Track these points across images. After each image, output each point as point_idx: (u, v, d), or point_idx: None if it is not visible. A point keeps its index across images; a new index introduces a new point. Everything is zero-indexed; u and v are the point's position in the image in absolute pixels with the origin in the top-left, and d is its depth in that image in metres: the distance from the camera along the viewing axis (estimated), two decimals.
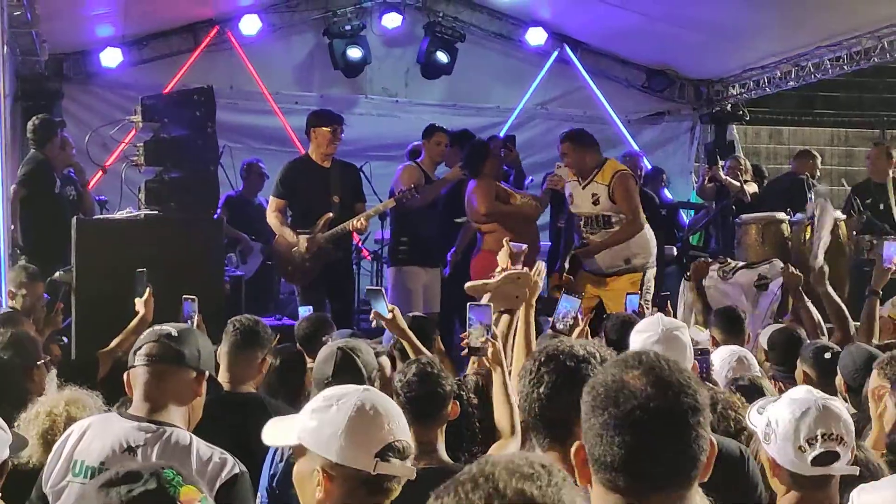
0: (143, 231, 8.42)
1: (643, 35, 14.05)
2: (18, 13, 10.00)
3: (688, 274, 9.14)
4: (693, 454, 2.30)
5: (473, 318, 4.77)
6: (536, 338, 5.15)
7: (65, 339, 8.49)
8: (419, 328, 6.05)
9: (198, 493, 2.33)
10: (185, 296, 6.62)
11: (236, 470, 3.70)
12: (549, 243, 12.13)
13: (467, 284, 5.17)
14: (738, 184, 12.45)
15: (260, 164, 12.39)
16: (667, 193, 14.42)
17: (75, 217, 8.55)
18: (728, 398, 5.02)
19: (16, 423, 4.37)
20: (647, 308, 8.95)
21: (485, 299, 4.99)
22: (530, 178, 12.16)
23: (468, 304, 4.90)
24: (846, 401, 5.30)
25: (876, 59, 12.97)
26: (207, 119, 8.76)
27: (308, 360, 6.20)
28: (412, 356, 5.21)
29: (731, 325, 7.34)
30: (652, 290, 9.97)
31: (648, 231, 10.07)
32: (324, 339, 6.47)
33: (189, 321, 6.27)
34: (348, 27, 14.07)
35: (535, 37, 14.74)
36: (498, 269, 5.24)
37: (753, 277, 9.74)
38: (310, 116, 10.13)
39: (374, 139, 13.94)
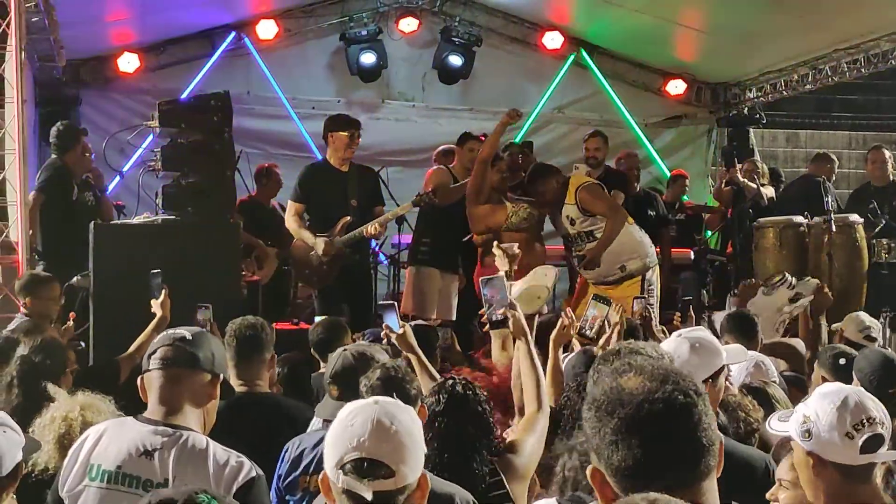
0: (160, 236, 8.43)
1: (660, 38, 14.05)
2: (36, 19, 10.04)
3: (735, 291, 9.06)
4: (707, 440, 2.33)
5: (489, 294, 4.76)
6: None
7: (82, 344, 8.50)
8: (423, 337, 6.05)
9: None
10: (199, 304, 6.65)
11: (253, 474, 3.70)
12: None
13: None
14: (755, 186, 12.41)
15: (276, 169, 12.38)
16: (684, 197, 14.41)
17: (93, 222, 8.56)
18: (740, 400, 5.03)
19: (30, 429, 4.38)
20: (653, 309, 8.84)
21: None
22: None
23: (481, 279, 4.90)
24: None
25: (894, 62, 12.92)
26: (224, 124, 8.76)
27: (322, 364, 6.23)
28: (418, 372, 5.20)
29: (744, 329, 7.29)
30: (656, 289, 9.94)
31: (637, 231, 10.04)
32: (354, 336, 6.55)
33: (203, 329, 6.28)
34: (365, 32, 14.10)
35: (552, 41, 14.73)
36: (500, 273, 5.19)
37: (791, 294, 9.66)
38: (327, 121, 10.12)
39: (392, 144, 13.96)
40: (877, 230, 11.23)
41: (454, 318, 10.35)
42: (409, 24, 14.34)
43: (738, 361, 5.38)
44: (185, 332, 3.94)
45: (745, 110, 15.74)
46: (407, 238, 11.97)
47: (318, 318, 8.31)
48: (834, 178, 12.79)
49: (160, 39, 13.66)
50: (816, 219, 11.03)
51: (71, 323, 7.88)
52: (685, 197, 14.25)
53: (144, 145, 10.51)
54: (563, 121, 14.99)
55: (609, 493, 2.35)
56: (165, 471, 3.67)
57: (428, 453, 2.95)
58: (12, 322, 8.24)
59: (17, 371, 5.34)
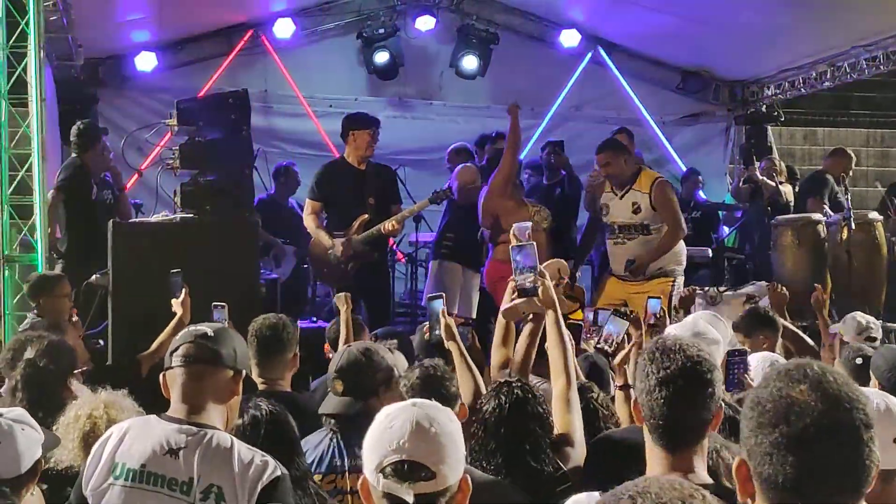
0: (178, 234, 8.42)
1: (677, 36, 14.01)
2: (54, 18, 10.07)
3: (675, 306, 8.99)
4: (865, 470, 2.24)
5: (520, 261, 4.74)
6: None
7: (101, 343, 8.52)
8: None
9: None
10: (214, 303, 6.64)
11: (277, 472, 3.68)
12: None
13: (502, 309, 5.11)
14: (774, 184, 12.39)
15: (294, 168, 12.40)
16: (701, 195, 14.37)
17: (111, 220, 8.57)
18: None
19: (54, 427, 4.39)
20: (676, 315, 8.79)
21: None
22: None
23: (511, 246, 4.88)
24: None
25: None
26: (242, 122, 8.76)
27: None
28: (457, 363, 5.17)
29: (768, 324, 7.24)
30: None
31: (681, 243, 10.05)
32: (374, 336, 6.56)
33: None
34: (382, 30, 14.09)
35: (569, 39, 14.70)
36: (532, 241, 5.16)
37: (742, 299, 9.62)
38: (347, 119, 10.13)
39: (409, 142, 13.94)
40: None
41: (474, 315, 10.33)
42: (425, 23, 14.33)
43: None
44: (207, 328, 3.93)
45: (763, 108, 15.70)
46: (424, 235, 11.98)
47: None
48: (850, 173, 12.71)
49: (177, 38, 13.68)
50: (836, 216, 10.99)
51: (76, 318, 7.91)
52: (702, 194, 14.22)
53: (162, 143, 10.52)
54: (581, 119, 14.95)
55: (750, 489, 2.30)
56: (190, 469, 3.66)
57: (499, 461, 2.92)
58: (24, 322, 8.27)
59: (21, 375, 5.35)
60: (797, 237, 11.08)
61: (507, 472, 4.08)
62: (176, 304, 6.74)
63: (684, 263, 10.03)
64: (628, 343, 6.10)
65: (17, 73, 9.09)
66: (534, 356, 5.02)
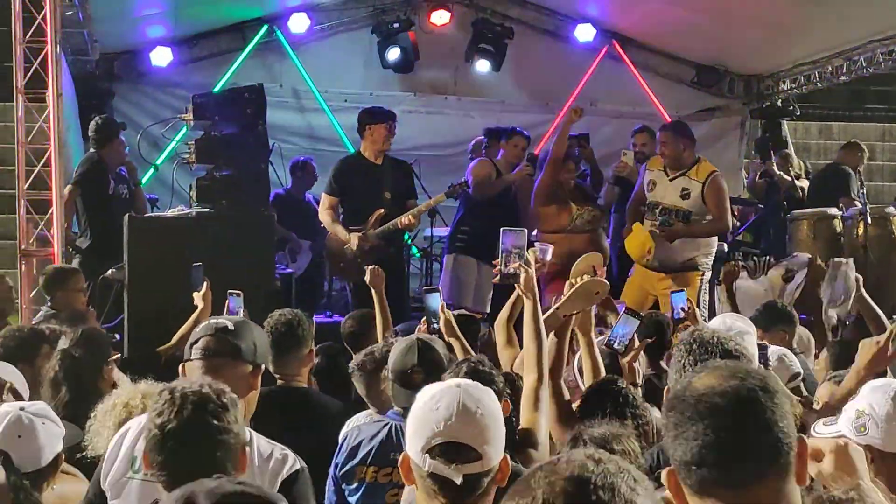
0: (194, 228, 8.45)
1: (693, 31, 13.97)
2: (70, 13, 10.09)
3: (719, 279, 8.97)
4: (774, 438, 2.26)
5: (506, 244, 4.72)
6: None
7: (117, 336, 8.54)
8: (466, 328, 6.07)
9: None
10: (230, 291, 6.62)
11: (297, 466, 3.69)
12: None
13: (555, 307, 5.05)
14: (790, 179, 12.36)
15: (311, 163, 12.41)
16: None
17: (127, 215, 8.59)
18: None
19: (92, 413, 4.41)
20: (702, 312, 8.73)
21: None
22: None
23: (501, 229, 4.86)
24: None
25: None
26: (258, 117, 8.79)
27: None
28: (460, 357, 5.17)
29: (787, 320, 7.22)
30: (708, 294, 9.83)
31: (714, 239, 9.98)
32: (385, 335, 6.53)
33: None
34: (396, 25, 14.07)
35: (584, 33, 14.67)
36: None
37: (782, 271, 9.59)
38: (363, 114, 10.12)
39: (423, 137, 13.93)
40: None
41: (489, 310, 10.31)
42: (440, 17, 14.31)
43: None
44: (227, 321, 3.94)
45: (779, 102, 15.65)
46: (439, 230, 11.98)
47: None
48: (862, 167, 12.68)
49: (192, 33, 13.69)
50: (851, 210, 10.97)
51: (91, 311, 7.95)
52: None
53: (178, 138, 10.54)
54: (596, 113, 14.90)
55: (682, 496, 2.31)
56: None
57: None
58: (37, 315, 8.30)
59: (58, 366, 5.36)
60: (813, 231, 11.07)
61: None
62: (197, 298, 6.75)
63: (712, 260, 9.95)
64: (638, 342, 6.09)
65: (34, 68, 9.12)
66: (566, 356, 4.98)
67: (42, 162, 9.23)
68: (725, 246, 12.57)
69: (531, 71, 14.67)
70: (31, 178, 9.28)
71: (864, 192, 11.73)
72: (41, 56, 9.08)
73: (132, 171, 10.80)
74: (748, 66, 15.54)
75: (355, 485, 4.47)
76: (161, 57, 13.42)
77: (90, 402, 4.63)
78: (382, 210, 9.68)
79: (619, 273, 10.70)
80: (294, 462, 3.70)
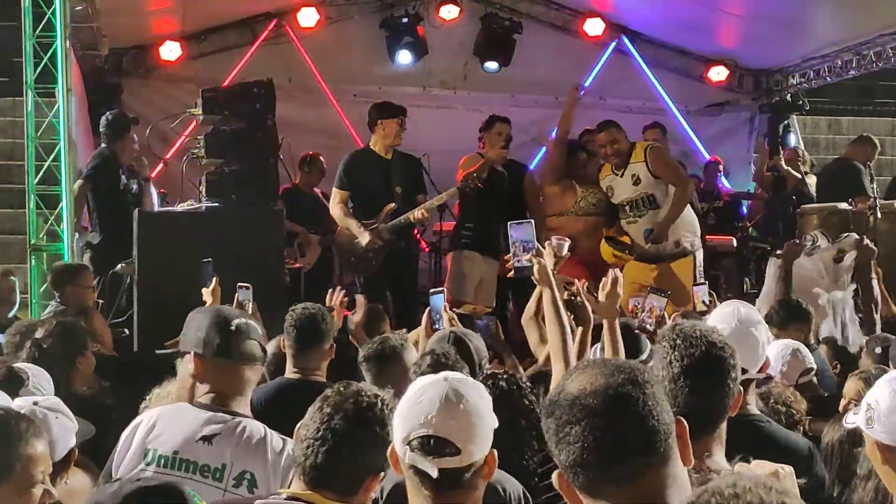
0: (203, 223, 8.47)
1: (702, 25, 13.96)
2: (79, 8, 10.09)
3: (778, 253, 8.95)
4: (649, 430, 2.26)
5: (515, 238, 4.71)
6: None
7: (126, 332, 8.56)
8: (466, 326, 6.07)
9: None
10: (239, 283, 6.62)
11: None
12: None
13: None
14: (799, 175, 12.34)
15: (320, 157, 12.41)
16: (725, 183, 14.33)
17: (137, 210, 8.60)
18: (781, 392, 4.96)
19: (148, 397, 4.48)
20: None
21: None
22: None
23: (508, 223, 4.85)
24: None
25: None
26: (267, 112, 8.79)
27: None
28: None
29: (801, 317, 7.18)
30: (702, 272, 9.92)
31: (690, 210, 10.03)
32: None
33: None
34: (405, 19, 14.08)
35: (593, 27, 14.67)
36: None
37: (833, 252, 9.57)
38: (374, 109, 10.11)
39: (433, 131, 13.90)
40: None
41: (494, 304, 10.30)
42: (449, 12, 14.30)
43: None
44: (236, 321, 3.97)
45: (788, 97, 15.63)
46: (448, 225, 11.96)
47: None
48: (872, 161, 12.65)
49: (201, 28, 13.70)
50: (861, 205, 10.94)
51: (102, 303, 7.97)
52: (725, 182, 14.17)
53: (187, 133, 10.55)
54: (605, 108, 14.86)
55: (574, 497, 2.31)
56: (223, 456, 3.69)
57: None
58: (46, 310, 8.32)
59: (26, 356, 5.40)
60: (822, 225, 11.03)
61: None
62: (206, 293, 6.74)
63: (699, 232, 10.01)
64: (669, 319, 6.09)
65: (44, 62, 9.13)
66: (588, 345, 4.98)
67: (52, 157, 9.24)
68: (735, 241, 12.60)
69: (540, 65, 14.64)
70: (40, 173, 9.29)
71: (875, 186, 11.69)
72: (50, 51, 9.09)
73: (142, 166, 10.81)
74: (757, 61, 15.51)
75: None
76: (170, 51, 13.45)
77: (60, 392, 4.66)
78: (393, 205, 9.68)
79: None
80: None
